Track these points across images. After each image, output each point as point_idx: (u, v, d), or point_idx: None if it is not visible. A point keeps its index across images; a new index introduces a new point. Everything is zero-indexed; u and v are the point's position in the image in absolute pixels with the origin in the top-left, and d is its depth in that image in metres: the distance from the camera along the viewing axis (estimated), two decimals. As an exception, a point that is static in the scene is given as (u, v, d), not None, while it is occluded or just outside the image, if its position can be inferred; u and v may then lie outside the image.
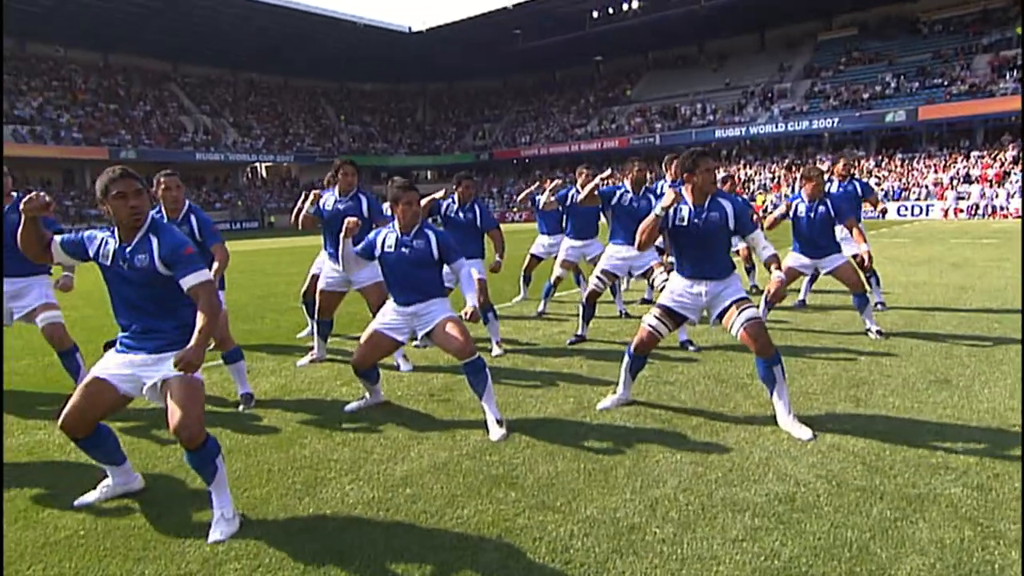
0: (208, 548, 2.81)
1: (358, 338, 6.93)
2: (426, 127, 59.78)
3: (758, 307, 4.17)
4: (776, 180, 37.04)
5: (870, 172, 34.24)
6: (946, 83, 35.78)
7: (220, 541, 2.83)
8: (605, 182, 5.99)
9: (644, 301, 8.55)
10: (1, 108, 34.87)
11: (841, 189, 7.77)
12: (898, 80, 37.76)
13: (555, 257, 8.27)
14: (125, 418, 4.41)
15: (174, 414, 2.87)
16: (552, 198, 7.42)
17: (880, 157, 35.99)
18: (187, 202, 4.91)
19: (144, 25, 42.08)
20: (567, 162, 50.48)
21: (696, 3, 41.63)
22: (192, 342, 2.85)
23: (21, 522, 3.09)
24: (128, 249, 2.98)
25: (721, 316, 4.08)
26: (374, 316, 5.58)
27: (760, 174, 38.78)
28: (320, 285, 5.77)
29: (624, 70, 53.62)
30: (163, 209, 4.83)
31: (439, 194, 6.28)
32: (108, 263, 3.02)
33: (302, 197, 6.24)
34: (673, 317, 4.21)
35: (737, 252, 9.10)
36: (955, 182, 30.83)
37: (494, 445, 3.87)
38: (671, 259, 6.16)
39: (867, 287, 6.46)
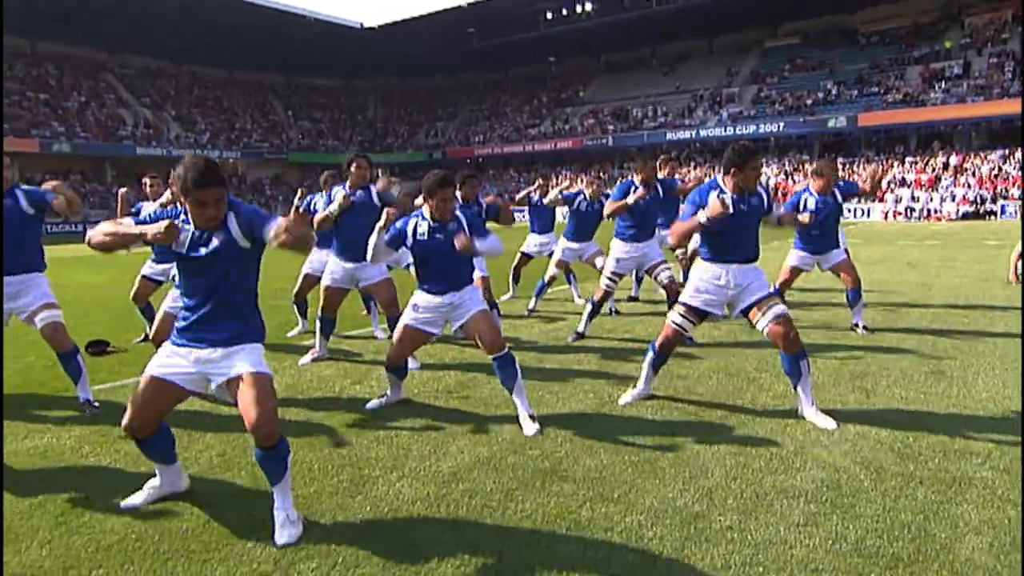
0: (275, 549, 2.74)
1: (354, 336, 6.87)
2: (378, 124, 59.02)
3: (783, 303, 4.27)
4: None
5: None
6: (882, 91, 37.53)
7: (289, 544, 2.77)
8: (637, 200, 6.06)
9: (631, 299, 8.69)
10: (1, 105, 32.90)
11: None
12: (838, 87, 39.39)
13: (548, 256, 8.34)
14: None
15: (249, 413, 2.80)
16: (560, 196, 7.51)
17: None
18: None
19: (75, 12, 39.98)
20: (521, 162, 50.72)
21: (648, 7, 42.46)
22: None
23: (63, 528, 2.94)
24: (206, 234, 2.89)
25: (746, 311, 4.19)
26: (387, 312, 5.56)
27: (709, 176, 39.78)
28: (325, 282, 5.66)
29: (577, 71, 54.17)
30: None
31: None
32: (183, 250, 2.91)
33: (297, 197, 6.13)
34: (697, 314, 4.31)
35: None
36: (892, 186, 32.38)
37: (531, 440, 3.90)
38: (679, 253, 6.35)
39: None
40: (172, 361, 2.98)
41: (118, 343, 6.67)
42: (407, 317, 4.35)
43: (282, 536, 2.80)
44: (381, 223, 4.14)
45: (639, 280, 8.81)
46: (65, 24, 41.84)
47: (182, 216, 2.92)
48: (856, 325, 6.54)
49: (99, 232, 2.90)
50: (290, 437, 3.96)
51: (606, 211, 6.28)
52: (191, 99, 51.12)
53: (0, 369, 4.60)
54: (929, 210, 29.63)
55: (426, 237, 4.15)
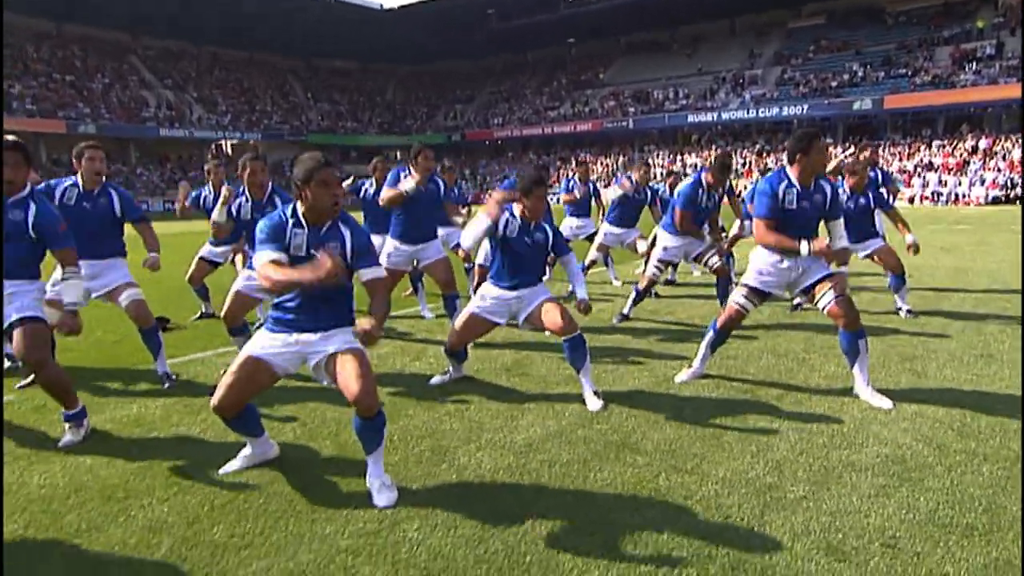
0: (376, 511, 2.93)
1: (401, 316, 7.04)
2: (396, 107, 59.01)
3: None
4: (747, 165, 37.78)
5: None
6: (910, 73, 36.92)
7: (389, 507, 2.95)
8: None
9: (668, 282, 8.80)
10: (2, 95, 33.33)
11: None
12: (864, 69, 38.81)
13: (584, 239, 8.46)
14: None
15: (351, 386, 2.96)
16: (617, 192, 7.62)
17: (847, 144, 36.97)
18: (270, 183, 4.90)
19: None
20: (540, 144, 50.60)
21: (671, -13, 42.00)
22: (375, 322, 2.94)
23: (175, 488, 3.15)
24: (320, 236, 3.05)
25: (807, 290, 4.30)
26: (444, 291, 5.73)
27: (733, 160, 39.48)
28: (386, 264, 5.84)
29: (596, 53, 53.76)
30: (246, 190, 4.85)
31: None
32: (302, 254, 3.02)
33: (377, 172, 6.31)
34: (759, 295, 4.43)
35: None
36: (919, 170, 31.99)
37: (596, 415, 4.05)
38: (722, 243, 6.44)
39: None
40: (269, 343, 3.15)
41: (176, 320, 6.90)
42: (474, 305, 4.51)
43: (381, 499, 2.99)
44: (494, 209, 4.25)
45: (675, 265, 8.90)
46: (88, 5, 42.17)
47: (290, 222, 3.07)
48: (900, 309, 6.61)
49: (264, 279, 2.94)
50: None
51: (677, 221, 6.25)
52: (212, 81, 51.43)
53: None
54: (957, 195, 29.26)
55: (515, 237, 4.31)
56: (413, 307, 7.41)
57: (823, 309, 4.25)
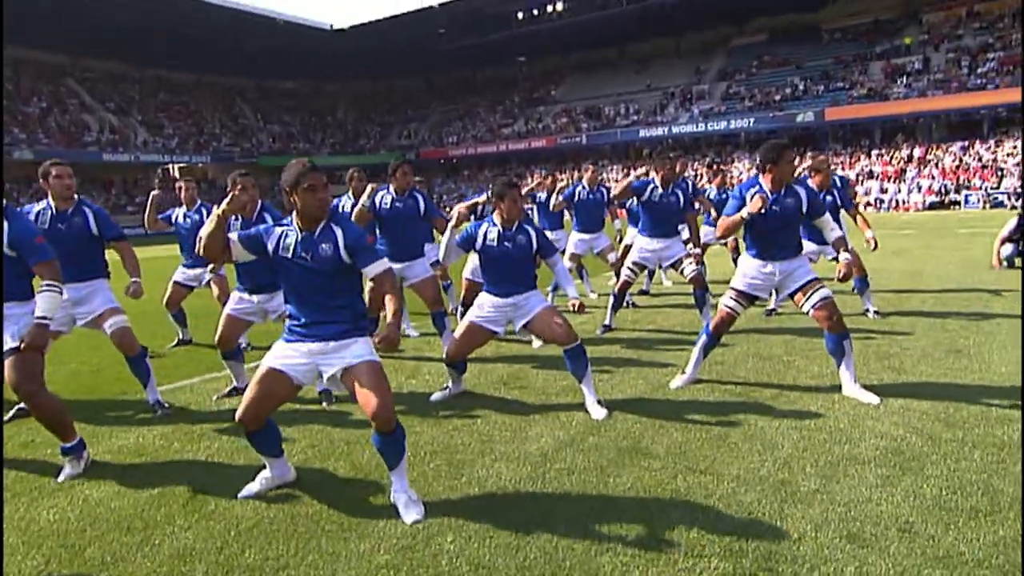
0: (407, 526, 2.94)
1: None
2: (348, 126, 58.64)
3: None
4: (699, 177, 38.77)
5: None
6: (847, 87, 38.68)
7: (418, 521, 2.97)
8: (637, 178, 6.37)
9: (643, 292, 9.00)
10: (1, 115, 31.87)
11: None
12: (805, 83, 40.47)
13: (560, 252, 8.59)
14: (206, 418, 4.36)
15: (369, 400, 2.98)
16: (560, 198, 7.76)
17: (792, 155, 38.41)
18: (259, 201, 4.87)
19: (31, 14, 38.84)
20: (495, 161, 50.94)
21: (619, 6, 43.07)
22: (390, 321, 3.00)
23: (196, 515, 3.10)
24: (312, 239, 3.06)
25: (793, 295, 4.50)
26: (432, 309, 5.74)
27: (686, 173, 40.53)
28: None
29: (547, 71, 54.62)
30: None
31: (481, 198, 6.31)
32: (289, 255, 3.07)
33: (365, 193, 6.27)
34: (747, 297, 4.61)
35: (725, 244, 9.72)
36: (860, 178, 33.43)
37: (602, 423, 4.14)
38: (698, 251, 6.62)
39: (865, 271, 7.06)
40: (286, 354, 3.15)
41: (153, 348, 6.72)
42: (472, 314, 4.56)
43: (409, 515, 3.00)
44: (454, 223, 4.34)
45: (651, 274, 9.13)
46: (21, 28, 40.73)
47: (285, 228, 3.13)
48: (867, 311, 6.93)
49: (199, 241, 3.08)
50: (368, 431, 4.16)
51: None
52: (157, 103, 50.22)
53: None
54: (897, 200, 30.66)
55: (495, 244, 4.39)
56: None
57: (808, 312, 4.45)
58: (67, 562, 2.74)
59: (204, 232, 3.03)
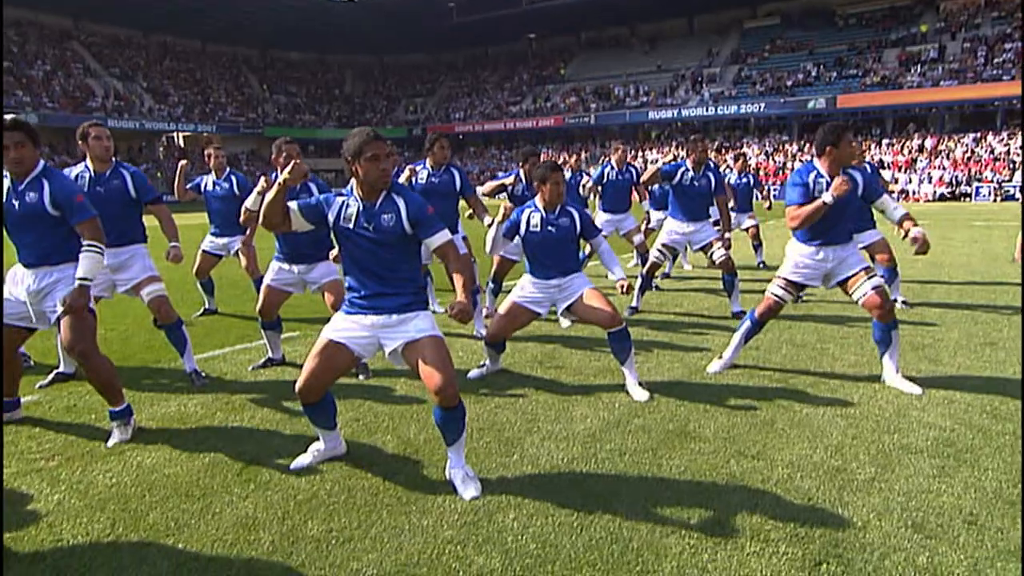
0: (468, 502, 2.93)
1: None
2: (355, 100, 58.09)
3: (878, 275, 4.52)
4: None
5: (794, 156, 36.33)
6: (860, 74, 38.29)
7: (476, 497, 2.96)
8: (667, 162, 6.34)
9: (665, 276, 8.97)
10: (1, 87, 31.56)
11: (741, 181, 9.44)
12: (818, 69, 40.06)
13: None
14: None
15: (433, 376, 2.96)
16: (591, 183, 7.73)
17: (803, 142, 38.20)
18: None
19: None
20: (502, 139, 50.59)
21: (632, -15, 42.53)
22: (461, 295, 2.98)
23: (252, 484, 3.10)
24: (374, 209, 3.02)
25: (843, 282, 4.46)
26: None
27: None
28: None
29: (557, 49, 54.01)
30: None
31: (509, 179, 6.25)
32: (351, 226, 3.04)
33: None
34: (796, 286, 4.57)
35: (746, 230, 9.67)
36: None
37: (645, 405, 4.13)
38: (728, 235, 6.57)
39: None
40: (347, 326, 3.13)
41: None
42: (515, 295, 4.53)
43: (467, 491, 2.99)
44: (500, 217, 4.32)
45: (675, 256, 9.10)
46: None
47: (346, 198, 3.09)
48: (895, 300, 6.90)
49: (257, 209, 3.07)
50: (416, 407, 4.16)
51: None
52: (163, 70, 49.65)
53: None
54: (907, 191, 30.51)
55: (539, 229, 4.36)
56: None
57: (859, 301, 4.41)
58: (132, 527, 2.74)
59: (267, 201, 2.98)
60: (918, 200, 29.46)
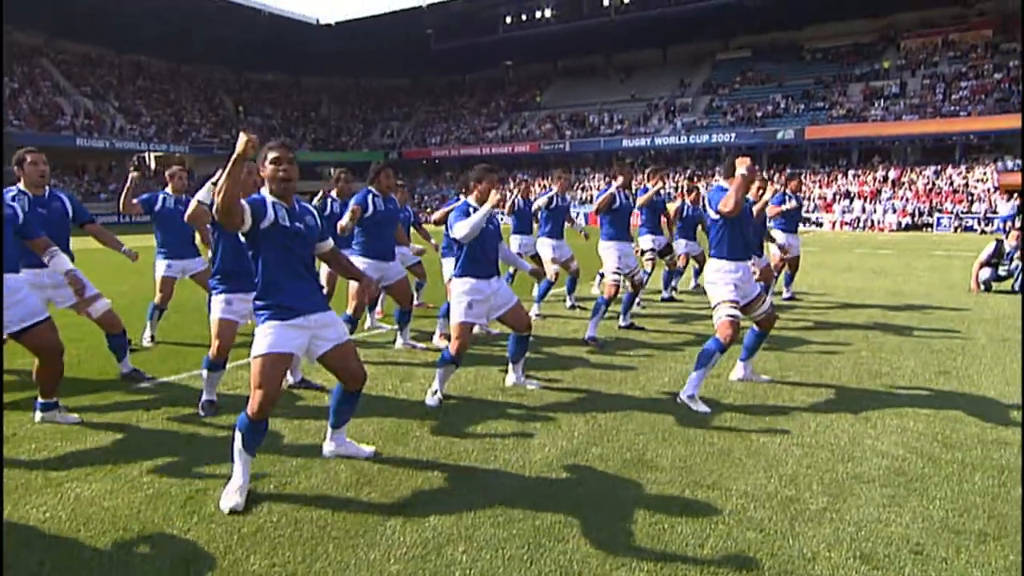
0: (419, 534, 2.87)
1: (358, 342, 6.85)
2: (331, 123, 58.05)
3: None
4: (680, 190, 39.15)
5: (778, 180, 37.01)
6: (827, 107, 39.38)
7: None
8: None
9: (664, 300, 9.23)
10: (3, 102, 31.03)
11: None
12: (786, 101, 41.11)
13: (531, 256, 8.61)
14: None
15: (359, 371, 3.44)
16: (540, 203, 7.98)
17: (771, 172, 39.01)
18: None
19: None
20: (478, 164, 50.78)
21: (607, 16, 43.36)
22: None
23: (196, 516, 3.01)
24: (296, 211, 3.23)
25: (748, 304, 4.87)
26: (403, 305, 6.06)
27: (664, 184, 40.90)
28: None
29: (534, 76, 54.71)
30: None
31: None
32: (288, 223, 3.16)
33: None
34: (738, 305, 4.78)
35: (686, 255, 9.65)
36: (838, 197, 34.04)
37: (609, 433, 4.11)
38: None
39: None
40: (287, 333, 3.16)
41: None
42: (463, 315, 4.56)
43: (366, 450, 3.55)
44: (489, 206, 4.47)
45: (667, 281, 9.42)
46: (-2, 6, 39.66)
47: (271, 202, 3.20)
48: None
49: (215, 196, 3.13)
50: (372, 434, 4.09)
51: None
52: (135, 90, 49.22)
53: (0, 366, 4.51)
54: (872, 220, 31.26)
55: (485, 225, 4.59)
56: (387, 328, 7.30)
57: (756, 317, 4.93)
58: (64, 566, 2.63)
59: (224, 182, 2.87)
60: (883, 230, 30.19)
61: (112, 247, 5.32)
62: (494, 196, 4.46)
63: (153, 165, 49.34)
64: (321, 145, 54.29)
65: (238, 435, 3.14)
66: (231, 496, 3.09)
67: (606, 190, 6.97)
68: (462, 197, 4.80)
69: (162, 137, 46.29)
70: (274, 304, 3.15)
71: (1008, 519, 3.03)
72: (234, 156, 2.94)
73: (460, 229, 4.45)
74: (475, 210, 4.56)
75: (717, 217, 4.71)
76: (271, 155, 3.17)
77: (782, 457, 3.76)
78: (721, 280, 4.76)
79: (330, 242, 3.53)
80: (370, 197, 5.73)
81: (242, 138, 2.95)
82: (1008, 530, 2.93)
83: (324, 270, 6.67)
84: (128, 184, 6.26)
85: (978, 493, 3.29)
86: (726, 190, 4.65)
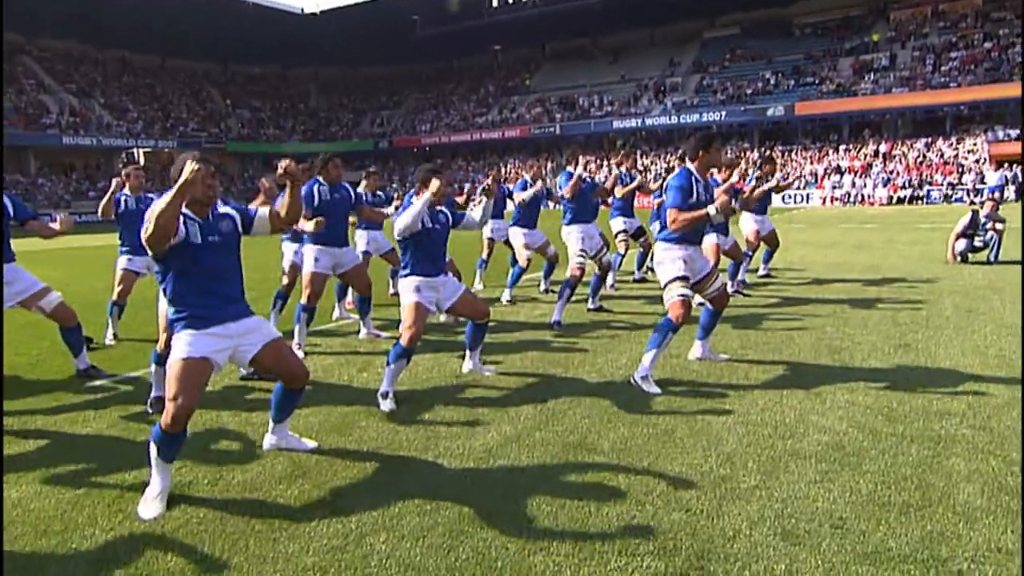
0: (341, 525, 2.87)
1: (323, 331, 6.87)
2: (320, 113, 57.79)
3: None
4: (671, 169, 39.00)
5: (755, 163, 36.88)
6: (817, 82, 39.16)
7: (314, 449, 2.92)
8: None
9: (636, 281, 9.24)
10: (1, 102, 30.86)
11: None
12: (776, 77, 40.88)
13: (504, 242, 8.59)
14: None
15: (297, 368, 3.43)
16: (525, 197, 7.85)
17: (763, 148, 38.84)
18: None
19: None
20: (469, 150, 50.65)
21: (592, -4, 43.06)
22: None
23: (121, 515, 2.99)
24: (210, 222, 3.20)
25: (699, 281, 4.86)
26: (363, 293, 6.11)
27: (656, 164, 40.72)
28: (310, 269, 5.78)
29: (522, 60, 54.37)
30: None
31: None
32: (200, 239, 3.13)
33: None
34: (689, 282, 4.76)
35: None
36: (828, 173, 33.92)
37: (559, 417, 4.10)
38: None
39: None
40: (205, 341, 3.11)
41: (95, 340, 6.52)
42: (414, 297, 4.51)
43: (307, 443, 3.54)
44: (429, 195, 4.45)
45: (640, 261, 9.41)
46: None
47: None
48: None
49: (149, 222, 3.00)
50: (317, 426, 4.09)
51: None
52: (121, 86, 48.94)
53: (0, 357, 4.53)
54: (863, 195, 31.17)
55: (430, 224, 4.54)
56: (355, 317, 7.28)
57: (709, 295, 4.93)
58: (-23, 567, 2.62)
59: (166, 205, 2.86)
60: (873, 204, 30.11)
61: (45, 234, 5.15)
62: (435, 184, 4.40)
63: (141, 161, 49.13)
64: (311, 136, 54.11)
65: (153, 447, 3.05)
66: (150, 504, 3.02)
67: (570, 175, 6.95)
68: (415, 200, 4.66)
69: (150, 132, 46.11)
70: (187, 316, 3.12)
71: (933, 489, 3.03)
72: (179, 183, 2.87)
73: (400, 222, 4.42)
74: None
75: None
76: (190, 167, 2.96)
77: (724, 436, 3.75)
78: (668, 257, 4.72)
79: (262, 209, 3.43)
80: (316, 187, 5.73)
81: (189, 165, 2.89)
82: (931, 500, 2.93)
83: (287, 262, 6.66)
84: (114, 188, 6.26)
85: (911, 465, 3.29)
86: (689, 173, 4.59)
